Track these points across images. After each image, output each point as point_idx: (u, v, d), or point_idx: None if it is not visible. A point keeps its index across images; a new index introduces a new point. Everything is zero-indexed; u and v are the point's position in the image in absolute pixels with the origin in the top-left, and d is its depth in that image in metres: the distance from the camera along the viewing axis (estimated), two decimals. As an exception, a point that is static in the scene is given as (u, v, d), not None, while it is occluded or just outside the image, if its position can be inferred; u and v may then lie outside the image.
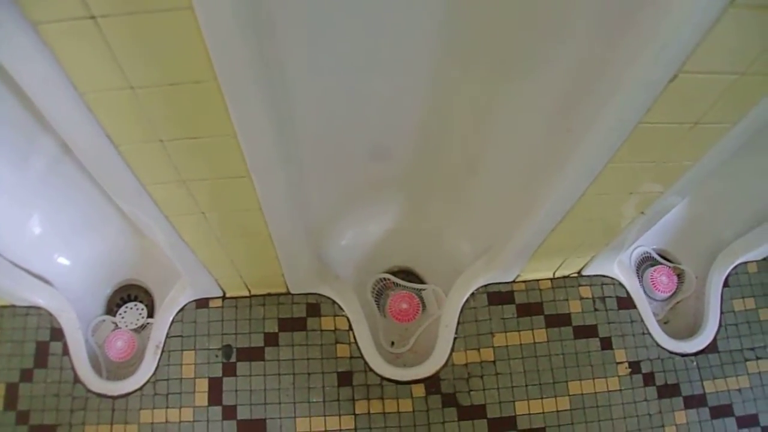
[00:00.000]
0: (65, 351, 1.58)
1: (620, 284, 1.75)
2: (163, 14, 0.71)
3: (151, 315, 1.75)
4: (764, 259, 1.85)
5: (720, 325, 1.75)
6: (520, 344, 1.66)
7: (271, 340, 1.63)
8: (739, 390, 1.70)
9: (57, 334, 1.60)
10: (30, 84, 0.80)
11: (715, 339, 1.73)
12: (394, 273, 1.88)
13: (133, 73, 0.80)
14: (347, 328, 1.66)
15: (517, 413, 1.61)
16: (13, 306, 1.62)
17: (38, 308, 1.61)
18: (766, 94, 0.94)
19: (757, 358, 1.73)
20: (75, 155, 1.07)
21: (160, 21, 0.72)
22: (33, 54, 0.74)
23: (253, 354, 1.61)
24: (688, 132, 1.04)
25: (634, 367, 1.67)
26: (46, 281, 1.60)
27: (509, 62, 1.15)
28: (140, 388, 1.57)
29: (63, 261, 1.69)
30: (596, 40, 0.95)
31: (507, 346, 1.66)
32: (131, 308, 1.74)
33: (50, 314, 1.61)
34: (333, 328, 1.65)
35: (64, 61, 0.77)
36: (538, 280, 1.74)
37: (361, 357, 1.63)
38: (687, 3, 0.74)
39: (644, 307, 1.74)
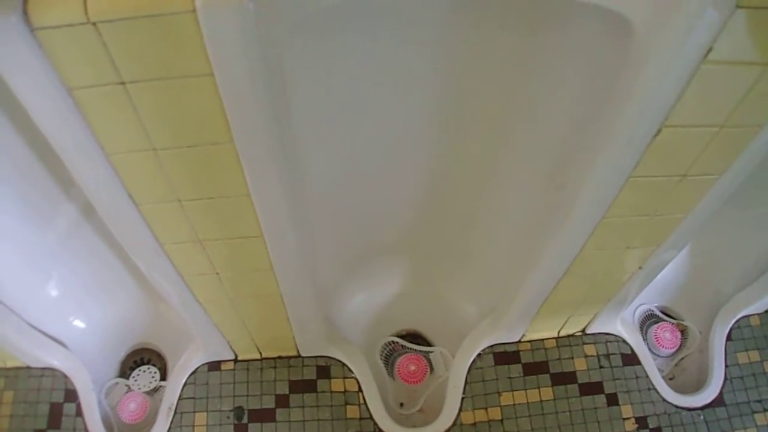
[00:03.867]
0: (79, 412, 1.60)
1: (624, 341, 1.77)
2: (186, 80, 0.77)
3: (163, 378, 1.77)
4: (766, 311, 1.86)
5: (725, 379, 1.75)
6: (527, 402, 1.67)
7: (282, 401, 1.64)
8: (748, 443, 1.69)
9: (71, 395, 1.61)
10: (63, 145, 0.86)
11: (721, 392, 1.73)
12: (402, 336, 1.91)
13: (156, 135, 0.86)
14: (357, 389, 1.67)
15: (527, 471, 1.61)
16: (28, 367, 1.65)
17: (53, 370, 1.64)
18: (747, 146, 0.99)
19: (765, 410, 1.72)
20: (94, 220, 1.12)
21: (184, 86, 0.78)
22: (68, 117, 0.80)
23: (264, 415, 1.62)
24: (677, 185, 1.08)
25: (641, 422, 1.67)
26: (61, 343, 1.63)
27: (504, 127, 1.22)
28: (152, 451, 1.58)
29: (78, 324, 1.73)
30: (585, 100, 1.01)
31: (514, 404, 1.67)
32: (144, 371, 1.76)
33: (65, 376, 1.63)
34: (343, 390, 1.67)
35: (95, 123, 0.83)
36: (543, 340, 1.76)
37: (371, 418, 1.64)
38: (663, 61, 0.80)
39: (649, 363, 1.75)
